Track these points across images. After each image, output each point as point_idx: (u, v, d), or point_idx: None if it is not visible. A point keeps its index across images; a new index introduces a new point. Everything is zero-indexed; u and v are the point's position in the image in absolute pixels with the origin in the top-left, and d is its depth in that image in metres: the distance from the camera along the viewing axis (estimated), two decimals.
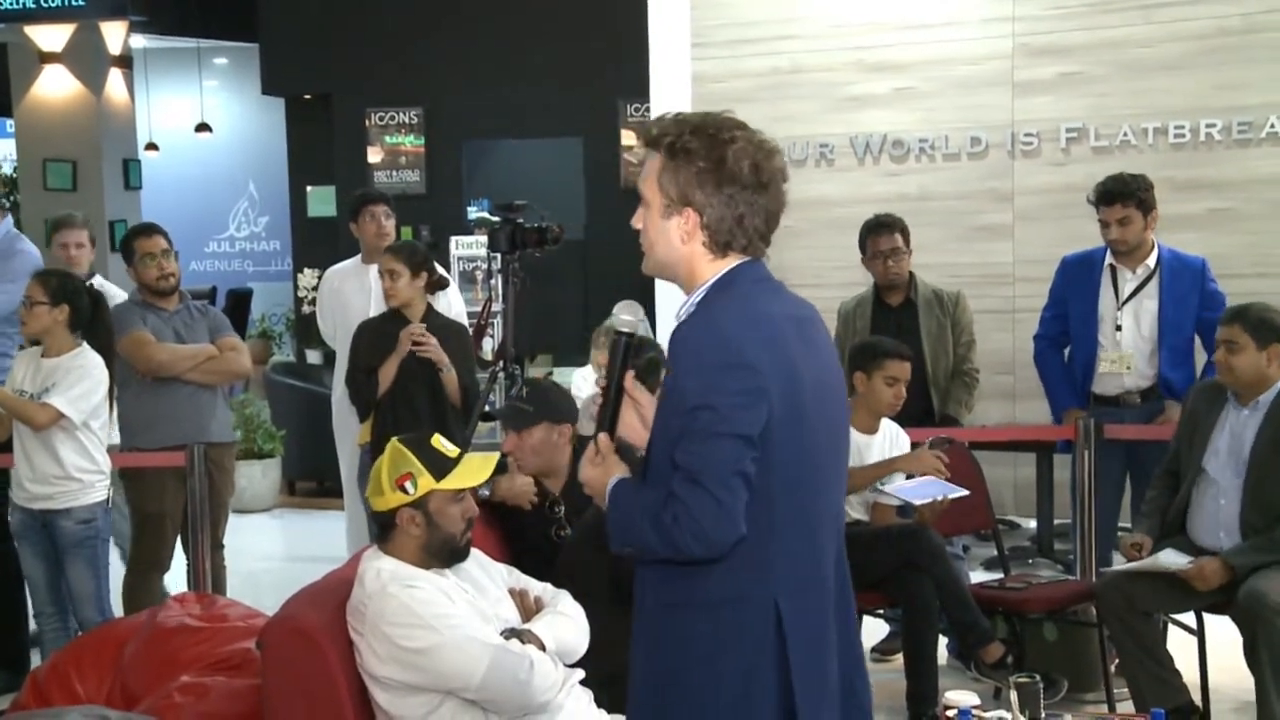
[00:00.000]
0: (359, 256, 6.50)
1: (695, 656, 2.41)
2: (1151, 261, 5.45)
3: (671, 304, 7.62)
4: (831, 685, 2.48)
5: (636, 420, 2.57)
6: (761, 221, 2.47)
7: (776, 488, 2.38)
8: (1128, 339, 5.46)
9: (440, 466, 3.22)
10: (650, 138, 2.49)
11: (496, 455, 3.42)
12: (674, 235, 2.46)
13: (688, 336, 2.39)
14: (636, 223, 2.54)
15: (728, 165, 2.42)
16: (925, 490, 4.80)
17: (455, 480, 3.22)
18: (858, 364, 4.92)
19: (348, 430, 6.23)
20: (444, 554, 3.24)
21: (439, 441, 3.28)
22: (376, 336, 5.57)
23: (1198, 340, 5.52)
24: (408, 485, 3.20)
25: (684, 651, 2.42)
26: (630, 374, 2.53)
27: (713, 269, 2.47)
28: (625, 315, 2.55)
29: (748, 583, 2.39)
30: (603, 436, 2.52)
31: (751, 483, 2.34)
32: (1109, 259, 5.50)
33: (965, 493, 4.87)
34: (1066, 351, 5.71)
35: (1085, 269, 5.58)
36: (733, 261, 2.47)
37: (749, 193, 2.44)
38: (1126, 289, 5.46)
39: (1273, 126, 6.50)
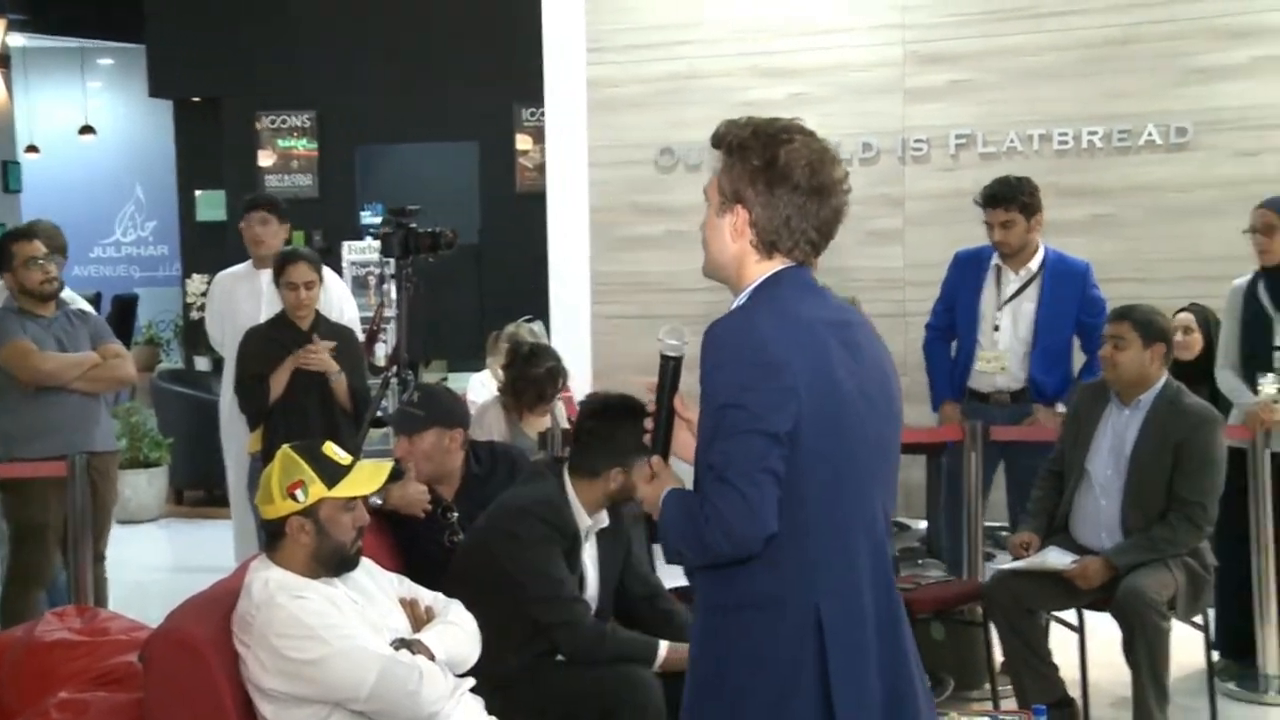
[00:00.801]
0: (250, 261, 6.40)
1: (738, 657, 2.43)
2: (1035, 264, 5.55)
3: (569, 319, 7.65)
4: (872, 695, 2.46)
5: (690, 439, 2.58)
6: (812, 228, 2.48)
7: (808, 490, 2.38)
8: (1004, 339, 5.56)
9: (332, 474, 3.18)
10: (717, 138, 2.52)
11: (390, 463, 3.38)
12: (726, 232, 2.49)
13: (719, 335, 2.40)
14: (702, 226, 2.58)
15: (779, 165, 2.44)
16: None
17: (347, 488, 3.18)
18: None
19: (235, 438, 6.13)
20: (334, 563, 3.19)
21: (331, 449, 3.23)
22: (265, 343, 5.49)
23: (1078, 345, 5.63)
24: (298, 493, 3.15)
25: (728, 652, 2.44)
26: (679, 395, 2.56)
27: (758, 270, 2.49)
28: (670, 340, 2.57)
29: (788, 584, 2.40)
30: (655, 459, 2.55)
31: (781, 481, 2.34)
32: (995, 259, 5.60)
33: None
34: (955, 344, 5.81)
35: (974, 266, 5.68)
36: (778, 265, 2.49)
37: (800, 196, 2.45)
38: (1008, 290, 5.56)
39: (1150, 135, 6.66)
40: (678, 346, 2.57)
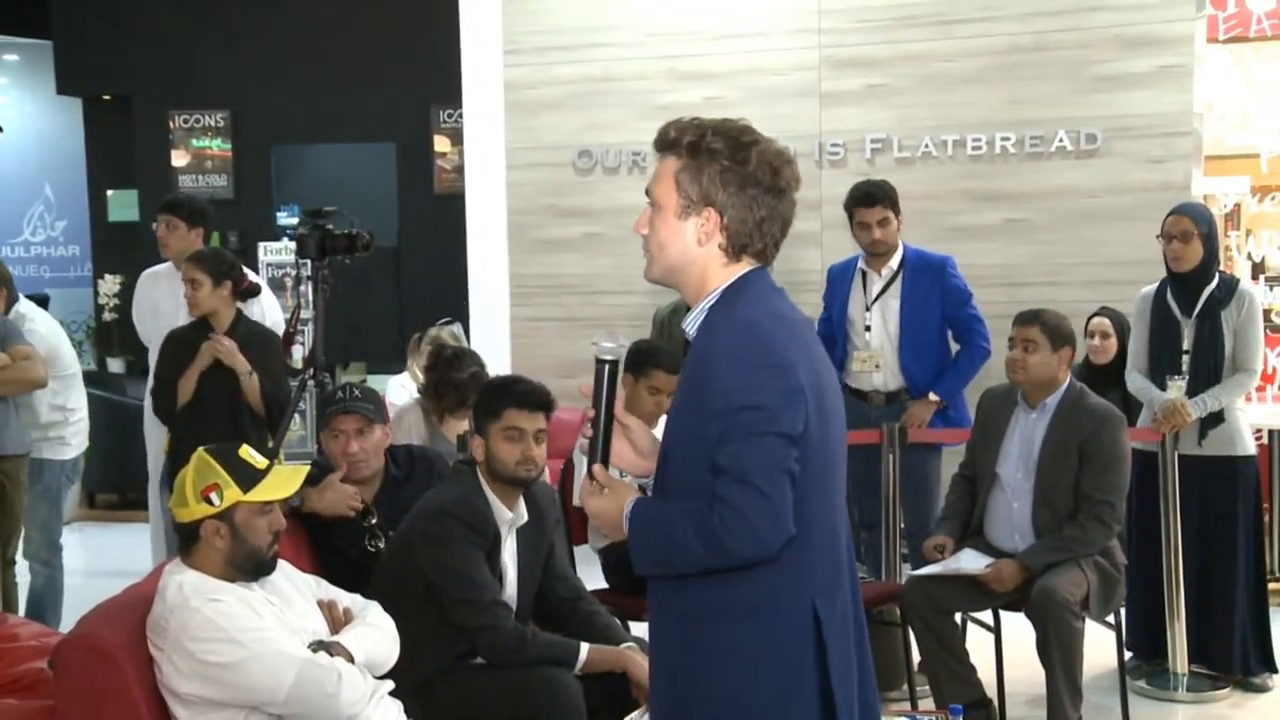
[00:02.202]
0: (171, 261, 6.30)
1: (734, 663, 2.38)
2: (895, 263, 5.65)
3: (488, 321, 7.62)
4: (855, 684, 2.48)
5: (628, 448, 2.57)
6: (777, 229, 2.47)
7: (811, 490, 2.38)
8: (876, 338, 5.67)
9: (247, 478, 3.14)
10: (667, 140, 2.47)
11: (306, 468, 3.35)
12: (691, 236, 2.44)
13: (723, 340, 2.37)
14: (641, 228, 2.51)
15: (751, 167, 2.41)
16: None
17: (262, 492, 3.15)
18: (630, 364, 4.80)
19: (156, 440, 6.05)
20: (249, 567, 3.16)
21: (248, 452, 3.19)
22: (181, 346, 5.43)
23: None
24: (213, 496, 3.12)
25: (721, 659, 2.38)
26: (621, 402, 2.52)
27: (725, 274, 2.45)
28: (606, 343, 2.52)
29: (788, 587, 2.38)
30: (597, 468, 2.48)
31: (796, 482, 2.33)
32: (860, 264, 5.70)
33: None
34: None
35: (842, 275, 5.81)
36: (744, 268, 2.46)
37: (769, 197, 2.44)
38: (874, 290, 5.67)
39: (1062, 141, 6.77)
40: (614, 350, 2.52)
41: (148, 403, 6.18)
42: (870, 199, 5.56)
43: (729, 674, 2.38)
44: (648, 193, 2.51)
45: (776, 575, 2.36)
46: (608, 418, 2.51)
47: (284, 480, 3.21)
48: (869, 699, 2.56)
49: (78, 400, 5.99)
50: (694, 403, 2.38)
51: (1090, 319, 5.95)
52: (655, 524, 2.39)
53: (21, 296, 5.91)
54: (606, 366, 2.51)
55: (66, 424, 5.89)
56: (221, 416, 5.30)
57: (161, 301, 6.13)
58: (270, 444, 5.48)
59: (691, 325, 2.47)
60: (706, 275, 2.47)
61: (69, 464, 5.94)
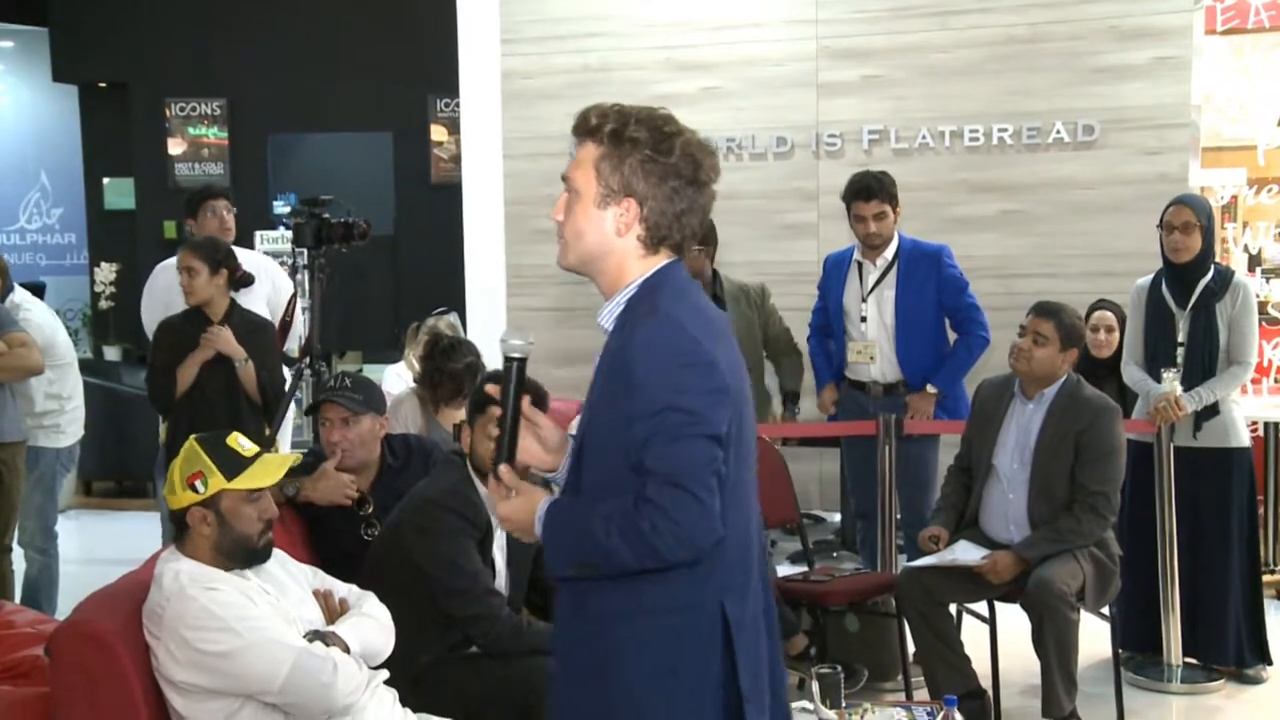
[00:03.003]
0: None
1: (643, 663, 2.34)
2: (890, 253, 5.65)
3: (485, 311, 7.62)
4: (766, 684, 2.46)
5: (536, 444, 2.53)
6: (696, 221, 2.43)
7: (729, 490, 2.34)
8: (872, 329, 5.67)
9: (232, 466, 3.14)
10: (588, 126, 2.41)
11: (292, 456, 3.34)
12: (610, 225, 2.39)
13: (644, 336, 2.31)
14: (557, 214, 2.45)
15: (673, 158, 2.37)
16: None
17: (246, 480, 3.14)
18: None
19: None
20: (238, 555, 3.15)
21: (236, 440, 3.19)
22: (177, 335, 5.42)
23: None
24: (198, 484, 3.13)
25: (630, 659, 2.35)
26: (527, 398, 2.47)
27: (642, 267, 2.41)
28: (514, 340, 2.48)
29: (699, 586, 2.34)
30: (503, 468, 2.43)
31: (723, 483, 2.29)
32: (856, 254, 5.70)
33: None
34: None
35: (838, 265, 5.80)
36: (661, 260, 2.42)
37: (690, 189, 2.39)
38: (870, 281, 5.66)
39: (1059, 132, 6.77)
40: (522, 347, 2.48)
41: None
42: (867, 192, 5.54)
43: (636, 674, 2.35)
44: (565, 178, 2.46)
45: (688, 576, 2.32)
46: (514, 416, 2.46)
47: (269, 468, 3.19)
48: (780, 695, 2.55)
49: (73, 389, 5.99)
50: (614, 399, 2.32)
51: (1093, 312, 5.93)
52: (574, 526, 2.33)
53: (17, 286, 5.91)
54: (514, 364, 2.47)
55: (62, 412, 5.88)
56: (220, 405, 5.31)
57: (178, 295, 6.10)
58: (267, 432, 5.48)
59: (607, 318, 2.42)
60: (624, 266, 2.42)
61: (64, 452, 5.94)
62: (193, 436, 3.24)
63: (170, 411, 5.45)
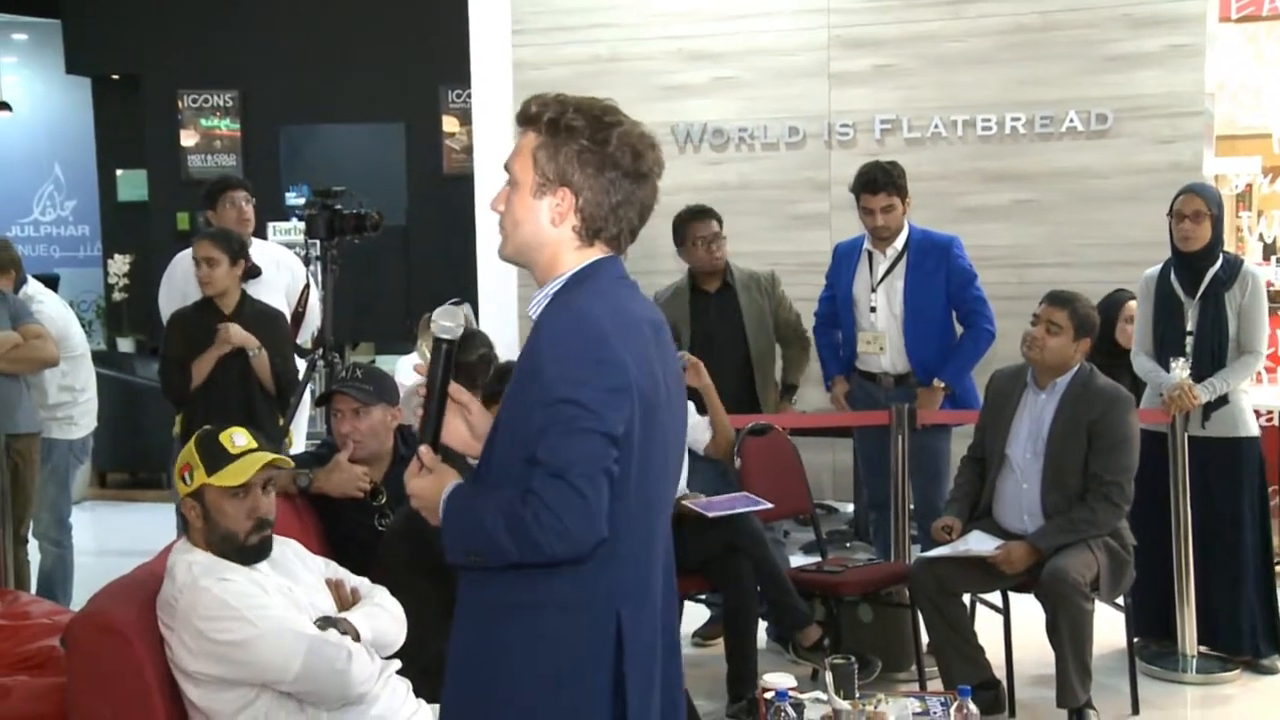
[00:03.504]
0: None
1: (530, 660, 2.30)
2: (900, 243, 5.63)
3: (497, 301, 7.62)
4: (655, 693, 2.41)
5: (464, 427, 2.48)
6: (635, 215, 2.37)
7: (628, 495, 2.28)
8: (882, 319, 5.65)
9: (214, 461, 3.13)
10: (528, 115, 2.37)
11: (269, 456, 3.24)
12: (545, 216, 2.35)
13: (554, 326, 2.27)
14: (498, 205, 2.41)
15: (610, 148, 2.32)
16: (729, 504, 4.86)
17: (223, 477, 3.11)
18: None
19: None
20: (228, 551, 3.13)
21: (229, 436, 3.16)
22: (189, 327, 5.44)
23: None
24: (186, 476, 3.15)
25: (518, 654, 2.31)
26: (453, 382, 2.43)
27: (576, 259, 2.36)
28: (445, 321, 2.43)
29: (593, 589, 2.29)
30: (424, 449, 2.39)
31: (614, 482, 2.23)
32: (866, 244, 5.68)
33: (769, 506, 4.96)
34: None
35: (848, 255, 5.79)
36: (597, 254, 2.37)
37: (628, 181, 2.34)
38: (880, 271, 5.65)
39: (1071, 121, 6.74)
40: (452, 329, 2.44)
41: None
42: (874, 185, 5.52)
43: (522, 670, 2.31)
44: (505, 168, 2.42)
45: (581, 577, 2.27)
46: (441, 397, 2.42)
47: (245, 467, 3.13)
48: (678, 702, 2.50)
49: (86, 380, 6.01)
50: (521, 389, 2.28)
51: (1124, 302, 5.87)
52: (468, 513, 2.29)
53: (30, 278, 5.94)
54: (444, 346, 2.43)
55: (75, 404, 5.90)
56: (234, 397, 5.32)
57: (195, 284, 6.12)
58: (280, 422, 5.50)
59: (535, 308, 2.39)
60: (558, 258, 2.37)
61: (77, 444, 5.97)
62: (202, 430, 3.25)
63: (184, 404, 5.47)
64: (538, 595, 2.28)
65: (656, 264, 6.34)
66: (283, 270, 6.07)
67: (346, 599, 3.33)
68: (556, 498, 2.18)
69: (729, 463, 5.24)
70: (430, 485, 2.36)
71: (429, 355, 2.45)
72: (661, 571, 2.45)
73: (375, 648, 3.23)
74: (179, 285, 6.32)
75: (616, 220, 2.36)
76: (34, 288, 5.87)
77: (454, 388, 2.45)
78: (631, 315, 2.35)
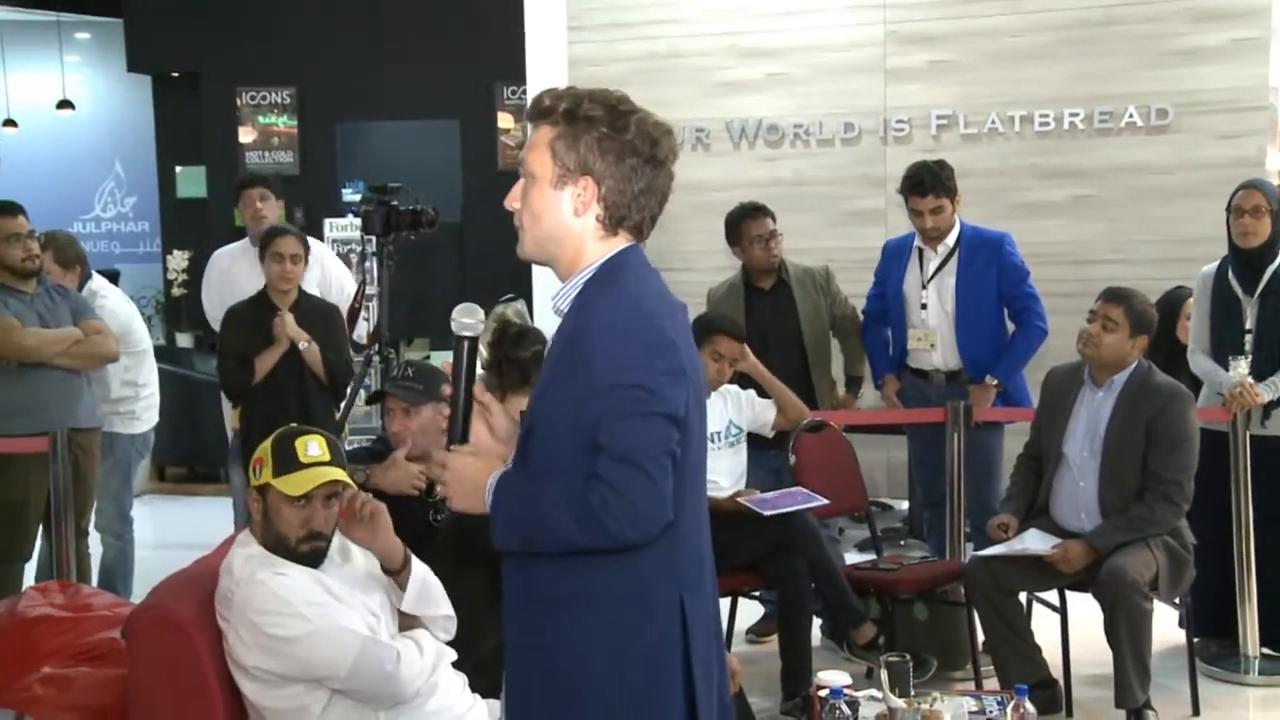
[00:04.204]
0: (247, 239, 6.41)
1: (598, 651, 2.28)
2: (951, 240, 5.59)
3: (550, 294, 7.61)
4: (715, 689, 2.41)
5: (485, 431, 2.46)
6: (655, 202, 2.37)
7: (685, 479, 2.30)
8: (933, 316, 5.62)
9: (282, 464, 3.13)
10: (542, 108, 2.36)
11: (334, 474, 3.22)
12: (567, 206, 2.33)
13: (604, 314, 2.25)
14: (513, 201, 2.39)
15: (629, 136, 2.32)
16: (785, 502, 4.85)
17: (286, 484, 3.12)
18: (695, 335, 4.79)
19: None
20: (280, 551, 3.14)
21: (304, 442, 3.16)
22: (246, 323, 5.50)
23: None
24: (257, 469, 3.17)
25: (585, 645, 2.29)
26: (480, 383, 2.42)
27: (600, 249, 2.35)
28: (465, 318, 2.42)
29: (655, 576, 2.29)
30: (451, 454, 2.36)
31: (678, 466, 2.24)
32: (917, 241, 5.66)
33: (825, 502, 4.94)
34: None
35: (898, 252, 5.77)
36: (621, 243, 2.36)
37: (648, 168, 2.34)
38: (930, 268, 5.62)
39: (1131, 116, 6.67)
40: (473, 326, 2.43)
41: None
42: (922, 188, 5.49)
43: (591, 663, 2.29)
44: (521, 163, 2.40)
45: (644, 564, 2.26)
46: (467, 397, 2.41)
47: (304, 480, 3.12)
48: (724, 697, 2.50)
49: (149, 376, 6.08)
50: (567, 379, 2.26)
51: (1185, 299, 5.81)
52: (524, 499, 2.27)
53: (94, 273, 6.01)
54: (465, 343, 2.41)
55: (137, 399, 5.97)
56: (291, 390, 5.39)
57: (243, 279, 6.15)
58: (336, 417, 5.54)
59: (563, 300, 2.37)
60: (582, 249, 2.36)
61: (139, 438, 6.03)
62: (291, 425, 3.26)
63: (242, 399, 5.52)
64: (601, 586, 2.27)
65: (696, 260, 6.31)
66: (314, 265, 6.08)
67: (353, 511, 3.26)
68: (625, 482, 2.17)
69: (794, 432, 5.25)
70: (476, 468, 2.34)
71: (477, 354, 2.43)
72: (709, 556, 2.46)
73: (423, 597, 3.22)
74: (216, 282, 6.41)
75: (639, 208, 2.35)
76: (99, 283, 5.95)
77: (476, 388, 2.43)
78: (667, 300, 2.37)
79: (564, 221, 2.35)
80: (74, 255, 5.86)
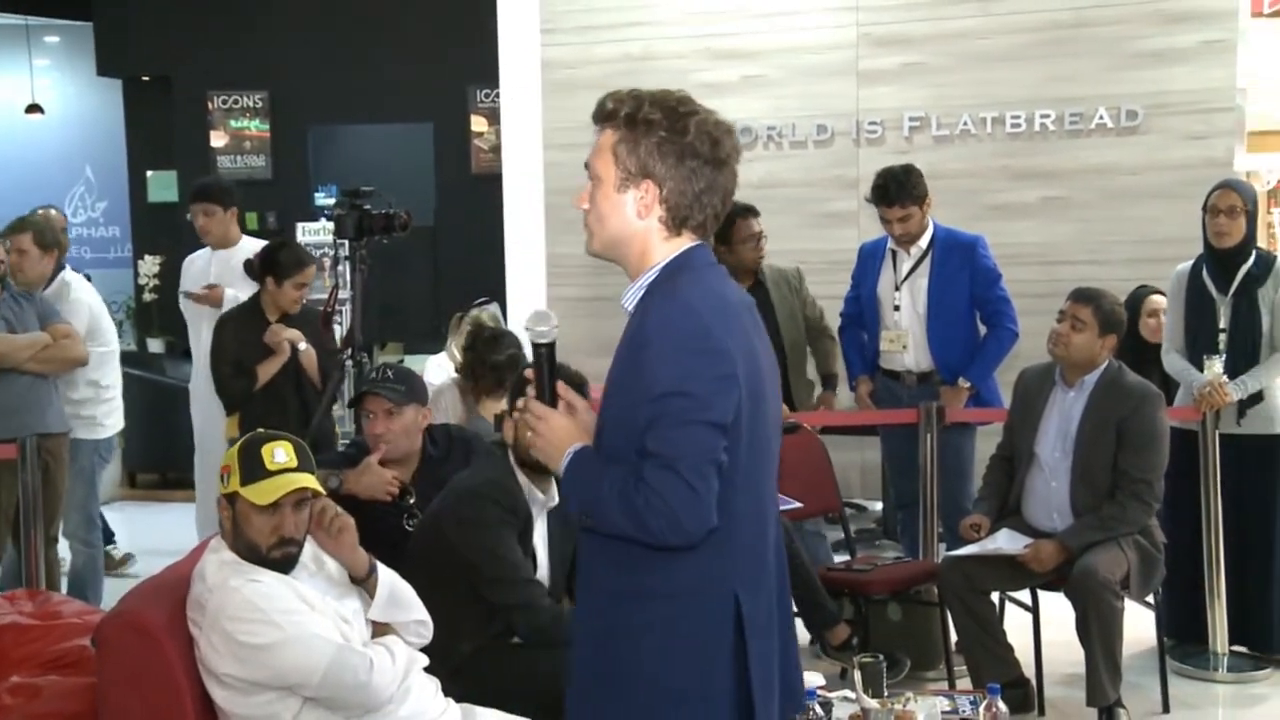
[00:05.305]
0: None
1: (651, 649, 2.35)
2: (925, 242, 5.62)
3: (525, 301, 7.63)
4: (776, 677, 2.46)
5: (573, 426, 2.47)
6: (718, 200, 2.42)
7: (740, 479, 2.35)
8: (905, 318, 5.65)
9: (249, 473, 3.11)
10: (605, 112, 2.43)
11: (302, 481, 3.20)
12: (630, 209, 2.40)
13: (658, 319, 2.32)
14: (582, 202, 2.47)
15: (689, 138, 2.37)
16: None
17: (253, 492, 3.09)
18: None
19: (211, 420, 6.08)
20: (252, 558, 3.12)
21: (270, 451, 3.13)
22: (239, 328, 5.49)
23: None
24: (225, 477, 3.15)
25: (638, 644, 2.36)
26: (560, 382, 2.48)
27: (666, 249, 2.41)
28: (539, 326, 2.49)
29: (710, 575, 2.35)
30: (550, 409, 2.45)
31: (723, 472, 2.30)
32: (891, 243, 5.69)
33: (798, 505, 4.96)
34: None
35: (873, 254, 5.80)
36: (686, 243, 2.42)
37: (709, 169, 2.39)
38: (903, 270, 5.64)
39: (1101, 118, 6.70)
40: (547, 332, 2.49)
41: (193, 383, 6.26)
42: (888, 199, 5.52)
43: (646, 656, 2.36)
44: (586, 166, 2.47)
45: (699, 562, 2.33)
46: (551, 400, 2.48)
47: (270, 488, 3.10)
48: (794, 690, 2.55)
49: (113, 378, 6.04)
50: (627, 383, 2.34)
51: (1146, 297, 5.85)
52: (590, 475, 2.36)
53: (68, 266, 6.00)
54: (544, 350, 2.49)
55: (99, 401, 5.92)
56: (290, 397, 5.39)
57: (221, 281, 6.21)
58: (312, 423, 5.52)
59: (630, 300, 2.43)
60: (647, 249, 2.42)
61: (103, 444, 6.01)
62: (258, 431, 3.25)
63: (237, 409, 5.51)
64: (658, 582, 2.34)
65: None
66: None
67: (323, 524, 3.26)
68: (667, 489, 2.25)
69: None
70: (568, 430, 2.43)
71: (517, 354, 2.49)
72: (774, 553, 2.50)
73: (393, 602, 3.23)
74: (190, 288, 6.40)
75: (701, 207, 2.41)
76: (71, 276, 5.97)
77: (561, 388, 2.49)
78: (728, 301, 2.41)
79: (628, 224, 2.42)
80: (53, 239, 5.87)
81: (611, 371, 2.41)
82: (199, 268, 6.44)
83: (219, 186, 6.54)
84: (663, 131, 2.37)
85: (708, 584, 2.35)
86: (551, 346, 2.50)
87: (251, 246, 6.17)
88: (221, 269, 6.23)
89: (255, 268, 5.57)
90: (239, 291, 5.97)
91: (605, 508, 2.31)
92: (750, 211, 5.82)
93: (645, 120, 2.38)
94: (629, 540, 2.32)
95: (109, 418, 6.01)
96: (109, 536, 7.22)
